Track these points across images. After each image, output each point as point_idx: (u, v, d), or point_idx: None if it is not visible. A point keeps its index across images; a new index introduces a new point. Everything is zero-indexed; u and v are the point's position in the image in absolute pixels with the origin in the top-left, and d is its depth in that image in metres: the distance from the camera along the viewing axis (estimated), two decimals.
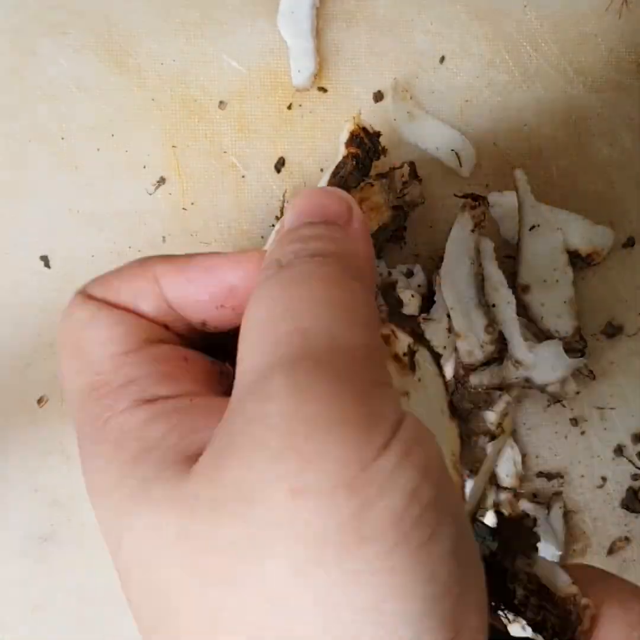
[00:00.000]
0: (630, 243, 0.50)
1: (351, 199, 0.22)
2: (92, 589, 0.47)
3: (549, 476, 0.48)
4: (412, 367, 0.21)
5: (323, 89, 0.48)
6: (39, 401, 0.47)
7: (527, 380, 0.46)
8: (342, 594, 0.17)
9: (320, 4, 0.48)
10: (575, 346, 0.46)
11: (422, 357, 0.22)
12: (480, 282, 0.45)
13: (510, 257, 0.48)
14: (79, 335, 0.23)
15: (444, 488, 0.18)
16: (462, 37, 0.49)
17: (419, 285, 0.47)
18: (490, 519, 0.29)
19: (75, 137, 0.47)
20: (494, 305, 0.45)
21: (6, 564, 0.47)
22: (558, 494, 0.49)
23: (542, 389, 0.47)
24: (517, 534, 0.27)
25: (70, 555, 0.47)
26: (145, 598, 0.19)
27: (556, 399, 0.48)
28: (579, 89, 0.50)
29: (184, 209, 0.47)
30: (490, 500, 0.47)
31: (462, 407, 0.47)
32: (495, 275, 0.45)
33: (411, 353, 0.21)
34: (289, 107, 0.48)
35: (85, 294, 0.23)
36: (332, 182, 0.44)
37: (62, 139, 0.47)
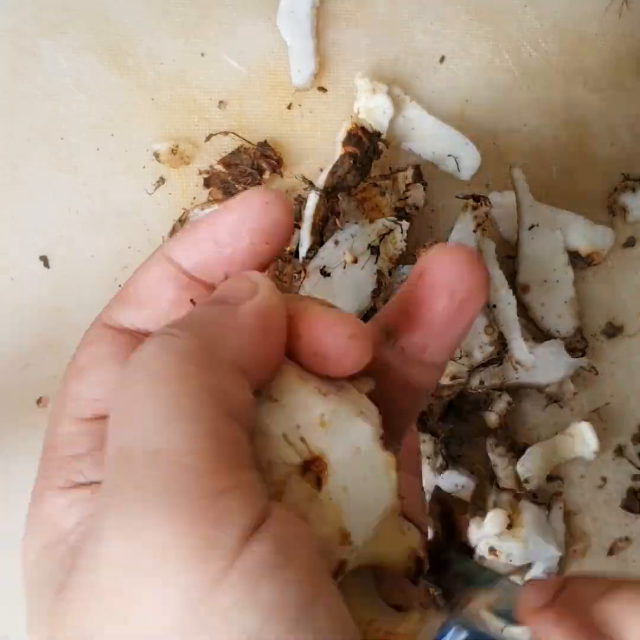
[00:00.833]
0: (630, 243, 0.50)
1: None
2: None
3: (549, 477, 0.48)
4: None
5: (323, 89, 0.48)
6: (39, 401, 0.47)
7: (527, 381, 0.46)
8: None
9: (320, 4, 0.48)
10: (576, 346, 0.46)
11: (337, 414, 0.18)
12: None
13: (510, 257, 0.48)
14: (71, 379, 0.21)
15: (307, 615, 0.15)
16: (462, 37, 0.49)
17: None
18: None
19: (75, 137, 0.47)
20: (494, 306, 0.45)
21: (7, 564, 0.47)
22: (558, 494, 0.48)
23: (541, 389, 0.47)
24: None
25: None
26: None
27: (554, 400, 0.48)
28: (579, 89, 0.50)
29: (183, 209, 0.47)
30: (490, 502, 0.47)
31: (462, 407, 0.47)
32: (496, 276, 0.45)
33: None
34: (289, 107, 0.48)
35: (102, 324, 0.21)
36: (329, 181, 0.44)
37: (62, 138, 0.47)
